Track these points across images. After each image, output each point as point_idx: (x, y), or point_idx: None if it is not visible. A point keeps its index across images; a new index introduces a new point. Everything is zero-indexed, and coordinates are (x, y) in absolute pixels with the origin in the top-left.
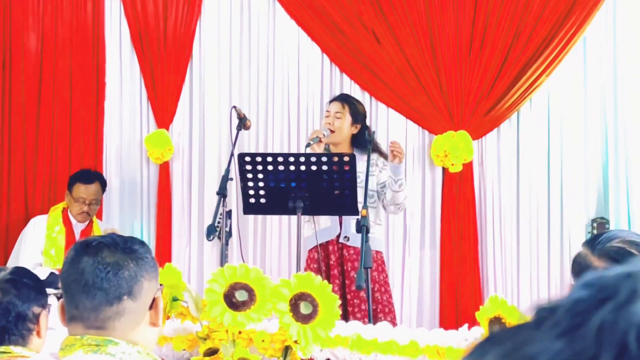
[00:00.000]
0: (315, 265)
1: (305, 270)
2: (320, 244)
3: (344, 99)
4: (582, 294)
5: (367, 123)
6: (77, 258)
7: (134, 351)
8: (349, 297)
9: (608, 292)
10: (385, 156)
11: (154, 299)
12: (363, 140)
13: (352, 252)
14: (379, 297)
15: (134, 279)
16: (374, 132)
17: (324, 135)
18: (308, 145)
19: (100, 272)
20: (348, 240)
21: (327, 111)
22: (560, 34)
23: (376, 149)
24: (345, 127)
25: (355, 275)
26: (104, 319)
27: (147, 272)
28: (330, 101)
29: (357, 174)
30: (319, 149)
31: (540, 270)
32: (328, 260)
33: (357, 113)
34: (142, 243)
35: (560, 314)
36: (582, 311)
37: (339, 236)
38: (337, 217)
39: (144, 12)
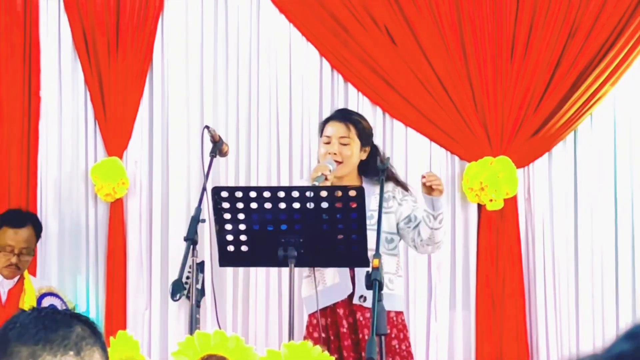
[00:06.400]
0: (319, 335)
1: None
2: (327, 307)
3: (346, 117)
4: (625, 347)
5: (376, 143)
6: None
7: None
8: None
9: None
10: (403, 186)
11: None
12: (374, 167)
13: (368, 315)
14: None
15: (85, 340)
16: (388, 157)
17: (330, 171)
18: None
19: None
20: (365, 300)
21: (327, 137)
22: (628, 31)
23: (392, 178)
24: (355, 154)
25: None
26: None
27: (101, 347)
28: (327, 121)
29: (369, 212)
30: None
31: (607, 336)
32: (337, 327)
33: (365, 133)
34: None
35: None
36: None
37: (351, 296)
38: (347, 270)
39: (90, 5)
